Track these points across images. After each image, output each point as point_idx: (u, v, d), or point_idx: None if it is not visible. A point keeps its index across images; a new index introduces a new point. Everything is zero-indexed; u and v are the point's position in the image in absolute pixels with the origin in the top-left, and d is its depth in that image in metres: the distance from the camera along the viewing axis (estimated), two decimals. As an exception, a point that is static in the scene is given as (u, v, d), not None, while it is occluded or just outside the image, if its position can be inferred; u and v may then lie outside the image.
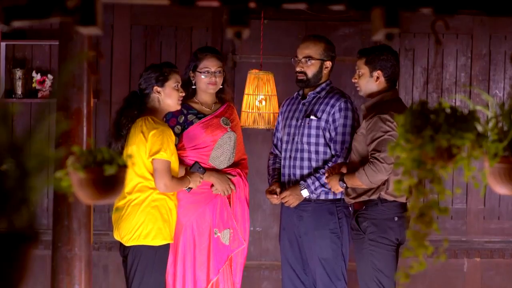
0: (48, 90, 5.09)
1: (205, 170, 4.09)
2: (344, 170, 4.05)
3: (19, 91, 5.08)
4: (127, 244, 3.91)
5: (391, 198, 3.92)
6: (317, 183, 4.12)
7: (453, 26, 5.16)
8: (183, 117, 4.18)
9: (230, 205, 4.19)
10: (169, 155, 3.83)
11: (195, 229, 4.11)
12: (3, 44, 5.13)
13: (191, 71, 4.21)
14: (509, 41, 5.38)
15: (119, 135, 3.86)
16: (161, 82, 3.91)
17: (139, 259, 3.87)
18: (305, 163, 4.19)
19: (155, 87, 3.91)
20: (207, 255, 4.12)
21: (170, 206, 3.92)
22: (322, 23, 5.25)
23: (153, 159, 3.82)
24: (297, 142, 4.22)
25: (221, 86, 4.25)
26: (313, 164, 4.17)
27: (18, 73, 5.08)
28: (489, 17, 5.15)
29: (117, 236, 3.99)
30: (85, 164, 2.14)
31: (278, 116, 4.40)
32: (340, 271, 4.16)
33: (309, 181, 4.14)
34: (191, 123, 4.17)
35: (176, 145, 4.06)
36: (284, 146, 4.30)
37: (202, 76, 4.17)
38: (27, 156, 1.72)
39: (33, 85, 5.12)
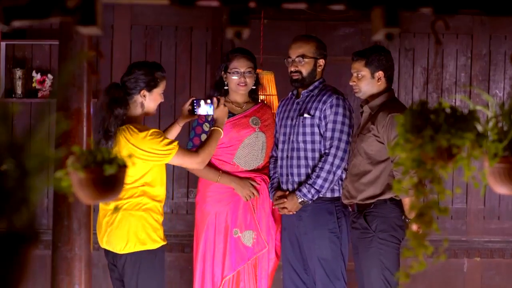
0: (48, 90, 5.09)
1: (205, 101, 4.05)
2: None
3: (19, 91, 5.09)
4: (122, 252, 3.72)
5: (399, 197, 3.92)
6: (313, 191, 4.11)
7: (453, 26, 5.16)
8: (212, 115, 4.20)
9: (254, 210, 4.26)
10: (173, 143, 3.72)
11: (216, 228, 4.22)
12: (3, 44, 5.13)
13: (222, 72, 4.25)
14: (509, 41, 5.38)
15: (109, 135, 3.62)
16: (151, 87, 3.75)
17: (139, 266, 3.71)
18: (302, 162, 4.18)
19: (143, 91, 3.74)
20: (223, 253, 4.22)
21: (160, 209, 3.79)
22: (322, 23, 5.25)
23: (170, 160, 3.74)
24: (292, 141, 4.22)
25: (254, 87, 4.31)
26: (310, 162, 4.16)
27: (18, 73, 5.09)
28: (489, 17, 5.15)
29: (107, 246, 3.77)
30: (85, 164, 2.14)
31: (275, 117, 4.41)
32: (340, 271, 4.15)
33: (304, 190, 4.12)
34: None
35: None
36: (280, 146, 4.30)
37: (233, 77, 4.21)
38: (27, 156, 1.71)
39: (33, 85, 5.13)
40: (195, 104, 4.01)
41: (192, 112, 4.02)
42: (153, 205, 3.74)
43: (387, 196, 3.94)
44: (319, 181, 4.09)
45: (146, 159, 3.67)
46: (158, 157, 3.68)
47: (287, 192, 4.19)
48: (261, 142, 4.30)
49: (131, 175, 3.66)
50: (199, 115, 4.04)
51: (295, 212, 4.17)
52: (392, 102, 4.01)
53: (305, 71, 4.20)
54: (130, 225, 3.69)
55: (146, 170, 3.71)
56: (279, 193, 4.23)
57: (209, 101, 4.01)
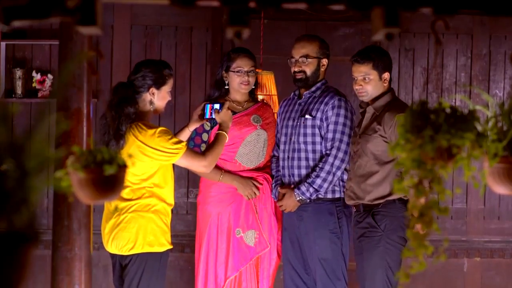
0: (48, 90, 5.09)
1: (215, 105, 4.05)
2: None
3: (19, 91, 5.09)
4: (128, 253, 3.68)
5: (407, 197, 3.92)
6: (311, 189, 4.11)
7: (453, 26, 5.16)
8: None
9: (256, 210, 4.26)
10: (182, 143, 3.69)
11: (219, 228, 4.22)
12: (3, 44, 5.13)
13: (223, 71, 4.25)
14: (509, 41, 5.38)
15: (120, 133, 3.59)
16: (159, 85, 3.71)
17: (143, 267, 3.66)
18: (303, 163, 4.19)
19: (151, 89, 3.70)
20: (226, 254, 4.21)
21: (169, 212, 3.77)
22: (322, 23, 5.25)
23: (177, 161, 3.70)
24: (294, 142, 4.22)
25: (253, 87, 4.32)
26: (311, 163, 4.17)
27: (18, 73, 5.09)
28: (489, 17, 5.15)
29: (112, 248, 3.72)
30: (85, 164, 2.14)
31: (277, 117, 4.41)
32: (340, 271, 4.15)
33: (303, 188, 4.12)
34: None
35: (205, 142, 4.16)
36: (282, 146, 4.30)
37: (236, 76, 4.22)
38: (27, 156, 1.71)
39: (33, 85, 5.13)
40: (206, 109, 4.02)
41: (202, 116, 4.04)
42: (162, 207, 3.71)
43: (395, 196, 3.92)
44: (318, 181, 4.10)
45: (154, 157, 3.64)
46: (166, 155, 3.64)
47: (286, 191, 4.19)
48: (263, 140, 4.30)
49: (138, 174, 3.66)
50: (208, 118, 4.05)
51: (294, 210, 4.17)
52: (396, 101, 4.02)
53: (309, 70, 4.21)
54: (139, 227, 3.66)
55: (154, 171, 3.68)
56: (281, 191, 4.22)
57: (217, 105, 4.01)
